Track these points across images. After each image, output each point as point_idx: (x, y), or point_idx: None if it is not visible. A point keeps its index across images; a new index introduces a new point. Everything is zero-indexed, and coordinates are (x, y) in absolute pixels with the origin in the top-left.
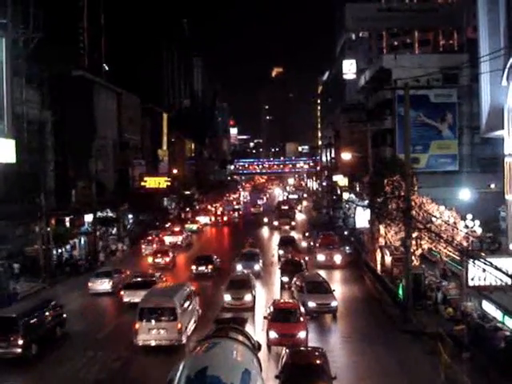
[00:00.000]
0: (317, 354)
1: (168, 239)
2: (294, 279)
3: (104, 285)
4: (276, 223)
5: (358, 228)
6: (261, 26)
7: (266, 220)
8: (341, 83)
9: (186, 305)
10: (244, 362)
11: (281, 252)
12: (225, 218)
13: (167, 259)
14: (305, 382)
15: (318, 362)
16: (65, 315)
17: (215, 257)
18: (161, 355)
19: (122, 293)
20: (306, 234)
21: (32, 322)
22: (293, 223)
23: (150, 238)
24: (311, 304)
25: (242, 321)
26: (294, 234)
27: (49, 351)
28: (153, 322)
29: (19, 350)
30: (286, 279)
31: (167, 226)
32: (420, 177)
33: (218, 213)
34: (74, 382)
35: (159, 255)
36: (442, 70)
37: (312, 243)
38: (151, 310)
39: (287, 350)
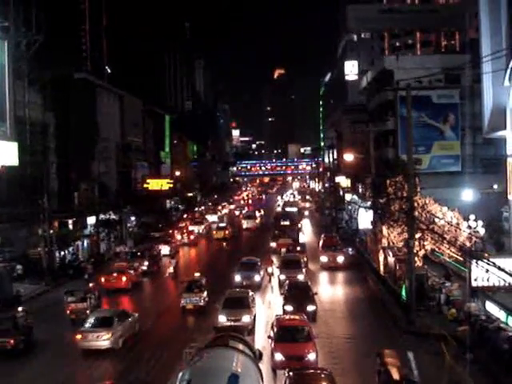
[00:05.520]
0: (323, 376)
1: (191, 228)
2: None
3: (164, 249)
4: (273, 245)
5: (360, 229)
6: (262, 28)
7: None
8: (343, 84)
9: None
10: (231, 367)
11: (282, 277)
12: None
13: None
14: None
15: None
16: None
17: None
18: None
19: (243, 221)
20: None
21: (148, 255)
22: (298, 248)
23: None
24: None
25: (241, 328)
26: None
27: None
28: (248, 220)
29: (145, 268)
30: (290, 308)
31: (192, 217)
32: (422, 177)
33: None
34: None
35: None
36: (444, 70)
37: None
38: (248, 216)
39: (290, 373)
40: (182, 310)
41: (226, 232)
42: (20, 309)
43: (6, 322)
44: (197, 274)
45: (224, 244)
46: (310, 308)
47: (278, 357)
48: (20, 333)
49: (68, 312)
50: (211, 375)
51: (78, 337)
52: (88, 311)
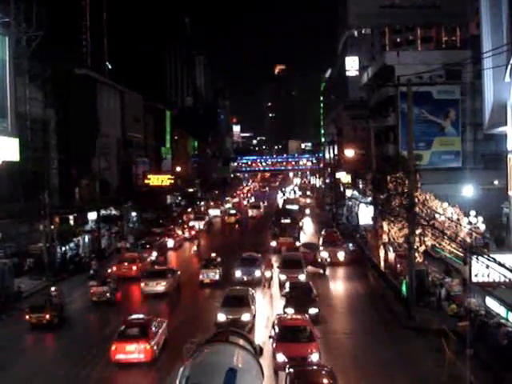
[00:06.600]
0: (324, 373)
1: (192, 223)
2: None
3: (169, 243)
4: (274, 244)
5: (361, 225)
6: (263, 24)
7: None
8: (344, 80)
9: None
10: (230, 362)
11: (283, 277)
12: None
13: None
14: None
15: None
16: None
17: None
18: None
19: (249, 210)
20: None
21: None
22: (298, 244)
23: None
24: None
25: (242, 324)
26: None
27: None
28: (253, 209)
29: (153, 258)
30: (291, 311)
31: (198, 211)
32: (423, 173)
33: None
34: None
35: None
36: (445, 66)
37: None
38: (254, 205)
39: (291, 370)
40: (200, 283)
41: (236, 217)
42: (53, 288)
43: (41, 299)
44: (213, 254)
45: (236, 226)
46: (313, 311)
47: (280, 358)
48: (54, 309)
49: (91, 294)
50: (210, 370)
51: (143, 284)
52: (108, 294)
